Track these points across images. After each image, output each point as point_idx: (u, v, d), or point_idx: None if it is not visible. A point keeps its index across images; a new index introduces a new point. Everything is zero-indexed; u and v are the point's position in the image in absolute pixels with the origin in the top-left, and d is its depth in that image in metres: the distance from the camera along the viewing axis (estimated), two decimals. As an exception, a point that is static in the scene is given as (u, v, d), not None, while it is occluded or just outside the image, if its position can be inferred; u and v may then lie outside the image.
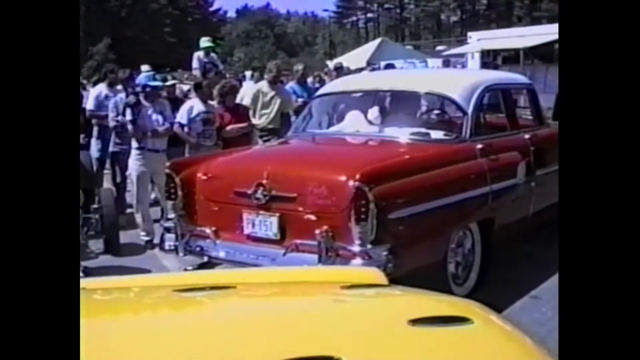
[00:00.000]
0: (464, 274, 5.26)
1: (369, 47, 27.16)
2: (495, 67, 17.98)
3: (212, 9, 70.35)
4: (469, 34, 22.94)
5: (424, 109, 6.00)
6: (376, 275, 2.34)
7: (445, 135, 5.47)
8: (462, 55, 21.02)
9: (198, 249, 5.16)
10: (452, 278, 5.13)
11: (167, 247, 5.39)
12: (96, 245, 7.19)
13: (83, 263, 6.37)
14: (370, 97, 6.10)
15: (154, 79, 7.61)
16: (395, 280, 4.42)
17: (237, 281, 2.08)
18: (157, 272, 5.99)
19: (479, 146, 5.38)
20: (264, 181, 4.75)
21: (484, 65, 18.63)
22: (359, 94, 6.21)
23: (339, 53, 40.06)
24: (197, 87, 8.08)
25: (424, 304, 1.70)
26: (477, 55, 19.31)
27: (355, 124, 5.74)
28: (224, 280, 2.07)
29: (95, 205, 7.18)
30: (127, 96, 7.28)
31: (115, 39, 52.78)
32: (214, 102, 8.30)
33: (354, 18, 66.72)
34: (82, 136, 8.87)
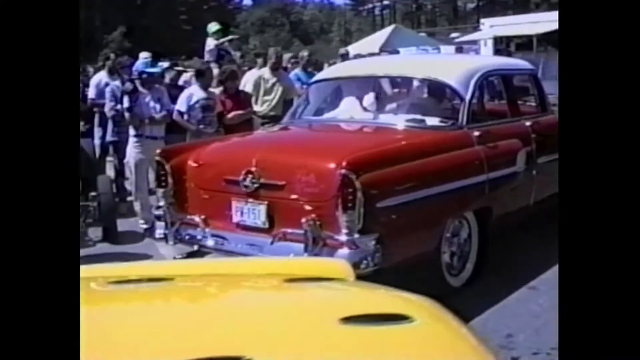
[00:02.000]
0: (459, 264, 5.14)
1: (382, 34, 26.84)
2: (509, 54, 17.70)
3: (227, -4, 70.15)
4: (482, 20, 22.58)
5: (420, 94, 5.86)
6: (342, 267, 2.24)
7: (441, 122, 5.34)
8: (475, 42, 20.76)
9: (188, 237, 5.08)
10: (446, 268, 5.01)
11: (157, 236, 5.33)
12: (95, 233, 7.16)
13: (80, 251, 6.34)
14: (367, 83, 5.97)
15: (151, 66, 7.53)
16: (380, 271, 4.34)
17: (195, 272, 1.99)
18: (149, 260, 5.97)
19: (476, 133, 5.24)
20: (253, 169, 4.66)
21: (497, 52, 18.37)
22: (355, 80, 6.07)
23: (354, 41, 39.75)
24: (199, 74, 7.98)
25: (366, 300, 1.61)
26: (490, 42, 19.04)
27: (350, 111, 5.63)
28: (186, 271, 1.99)
29: (93, 193, 7.14)
30: (123, 83, 7.21)
31: (130, 27, 52.73)
32: (216, 89, 8.22)
33: (370, 5, 66.11)
34: (85, 124, 8.86)
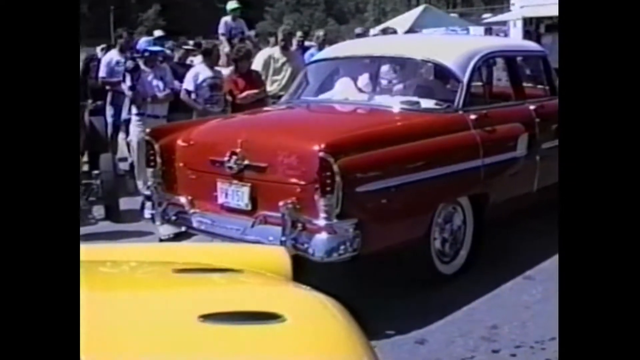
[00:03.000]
0: (451, 251, 4.99)
1: (412, 14, 26.45)
2: (538, 36, 17.31)
3: (263, -25, 69.70)
4: (512, 0, 22.13)
5: (418, 76, 5.69)
6: (278, 256, 2.15)
7: (437, 104, 5.16)
8: (504, 23, 20.34)
9: (174, 218, 5.02)
10: (438, 255, 4.87)
11: (146, 216, 5.29)
12: (98, 211, 7.17)
13: (81, 229, 6.35)
14: (365, 64, 5.82)
15: (154, 44, 7.49)
16: (363, 256, 4.21)
17: (108, 257, 1.92)
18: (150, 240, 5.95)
19: (473, 117, 5.06)
20: (238, 150, 4.57)
21: (526, 33, 17.98)
22: (353, 60, 5.92)
23: (388, 20, 39.29)
24: (206, 53, 7.91)
25: (239, 297, 1.50)
26: (519, 23, 18.63)
27: (345, 92, 5.48)
28: (98, 256, 1.91)
29: (96, 171, 7.15)
30: (125, 62, 7.18)
31: (165, 5, 52.94)
32: (225, 68, 8.14)
33: (406, -15, 65.40)
34: (98, 102, 8.87)
